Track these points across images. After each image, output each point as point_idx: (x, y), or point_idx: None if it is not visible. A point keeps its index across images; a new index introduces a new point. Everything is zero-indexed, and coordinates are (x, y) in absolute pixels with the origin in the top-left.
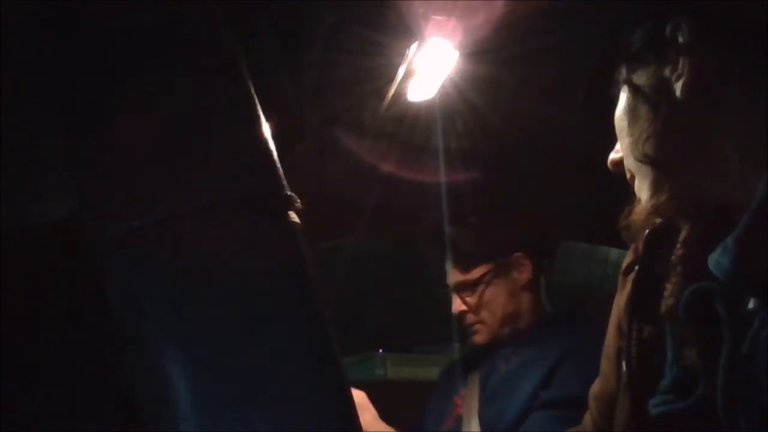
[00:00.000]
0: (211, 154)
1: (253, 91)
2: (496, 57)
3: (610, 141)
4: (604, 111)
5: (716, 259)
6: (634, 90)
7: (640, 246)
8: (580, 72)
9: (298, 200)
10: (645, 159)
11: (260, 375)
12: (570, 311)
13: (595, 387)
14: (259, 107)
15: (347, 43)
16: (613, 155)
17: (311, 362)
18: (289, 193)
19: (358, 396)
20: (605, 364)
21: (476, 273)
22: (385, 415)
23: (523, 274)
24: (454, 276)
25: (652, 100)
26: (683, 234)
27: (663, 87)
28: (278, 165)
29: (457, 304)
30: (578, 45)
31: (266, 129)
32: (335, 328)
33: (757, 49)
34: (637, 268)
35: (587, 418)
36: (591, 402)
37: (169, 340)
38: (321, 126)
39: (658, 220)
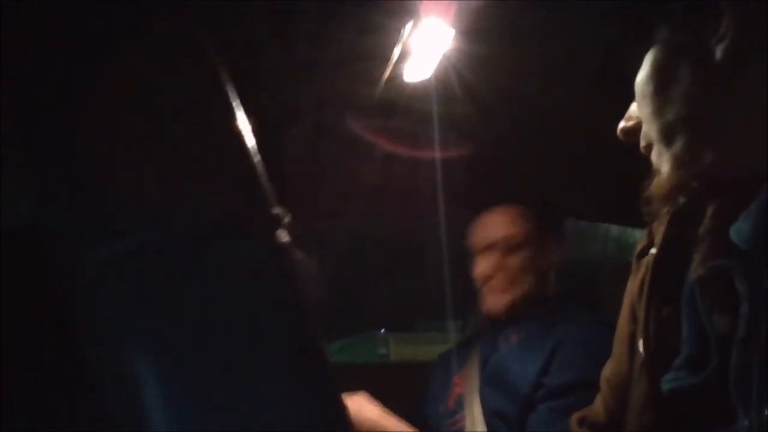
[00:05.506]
0: (191, 174)
1: (237, 105)
2: (492, 34)
3: (616, 114)
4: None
5: (738, 227)
6: (673, 50)
7: (656, 228)
8: (576, 48)
9: (287, 216)
10: (682, 122)
11: (243, 402)
12: (573, 291)
13: (607, 370)
14: (243, 121)
15: (342, 22)
16: (626, 123)
17: (299, 382)
18: (275, 211)
19: (360, 397)
20: (618, 346)
21: (504, 239)
22: (388, 394)
23: (541, 249)
24: (480, 239)
25: (694, 61)
26: (711, 208)
27: (703, 49)
28: (264, 182)
29: (484, 267)
30: (575, 22)
31: (252, 145)
32: (325, 347)
33: None
34: (658, 246)
35: (599, 400)
36: (603, 384)
37: (148, 370)
38: (316, 107)
39: (681, 199)
